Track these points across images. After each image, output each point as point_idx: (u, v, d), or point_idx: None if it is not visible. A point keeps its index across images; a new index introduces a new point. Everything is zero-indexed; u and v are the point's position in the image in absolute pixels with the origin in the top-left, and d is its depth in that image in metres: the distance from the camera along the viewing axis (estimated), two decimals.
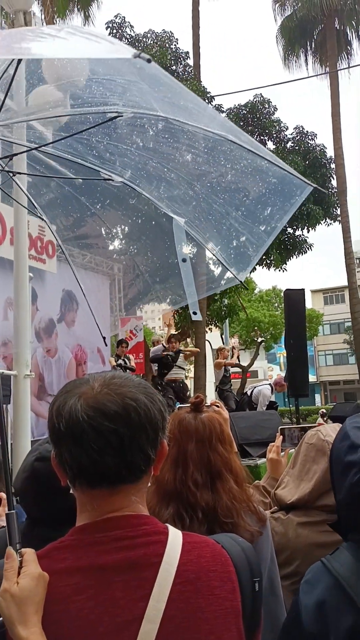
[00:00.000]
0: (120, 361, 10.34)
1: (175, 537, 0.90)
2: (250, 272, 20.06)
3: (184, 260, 3.02)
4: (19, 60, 2.33)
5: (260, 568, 0.99)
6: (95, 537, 0.87)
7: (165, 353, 10.49)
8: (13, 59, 2.29)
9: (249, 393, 9.58)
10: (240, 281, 3.36)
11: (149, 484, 1.50)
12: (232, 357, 10.81)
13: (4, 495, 1.86)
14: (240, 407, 9.56)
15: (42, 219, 3.66)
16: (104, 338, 4.11)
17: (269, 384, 9.52)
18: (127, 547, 0.87)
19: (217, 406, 1.93)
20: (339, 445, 1.17)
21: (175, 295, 3.71)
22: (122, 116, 2.34)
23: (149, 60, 1.29)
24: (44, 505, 1.36)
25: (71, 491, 0.94)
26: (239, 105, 17.75)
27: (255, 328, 27.72)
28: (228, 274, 3.39)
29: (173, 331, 13.63)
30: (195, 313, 3.13)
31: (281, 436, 2.18)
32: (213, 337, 23.55)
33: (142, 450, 0.90)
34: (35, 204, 3.58)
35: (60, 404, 0.90)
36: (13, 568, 0.86)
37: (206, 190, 3.16)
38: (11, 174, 3.14)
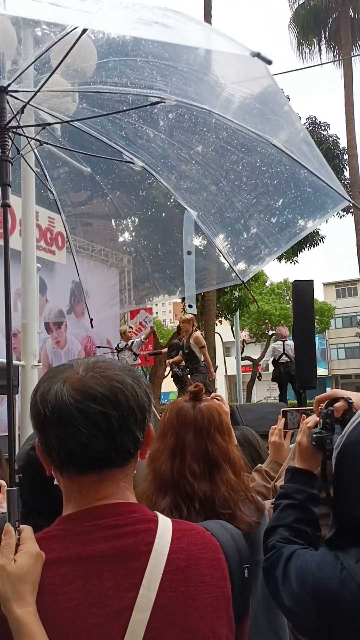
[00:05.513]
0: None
1: (165, 525, 0.89)
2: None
3: (189, 252, 3.00)
4: (84, 30, 1.92)
5: (249, 554, 0.98)
6: (83, 526, 0.86)
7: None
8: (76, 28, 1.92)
9: (279, 349, 9.66)
10: (242, 281, 3.29)
11: (147, 474, 1.50)
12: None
13: (4, 482, 1.86)
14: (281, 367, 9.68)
15: (53, 194, 3.54)
16: (91, 320, 4.18)
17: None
18: (116, 536, 0.85)
19: (218, 399, 1.92)
20: None
21: (172, 286, 3.69)
22: (164, 102, 2.25)
23: (269, 62, 1.09)
24: (39, 494, 1.35)
25: (55, 482, 0.92)
26: None
27: (266, 321, 27.57)
28: (232, 274, 3.34)
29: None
30: (190, 306, 3.14)
31: (283, 419, 2.16)
32: (223, 330, 23.50)
33: (131, 433, 0.88)
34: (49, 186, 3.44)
35: (45, 390, 0.88)
36: (10, 545, 0.85)
37: (231, 187, 3.07)
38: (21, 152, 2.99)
